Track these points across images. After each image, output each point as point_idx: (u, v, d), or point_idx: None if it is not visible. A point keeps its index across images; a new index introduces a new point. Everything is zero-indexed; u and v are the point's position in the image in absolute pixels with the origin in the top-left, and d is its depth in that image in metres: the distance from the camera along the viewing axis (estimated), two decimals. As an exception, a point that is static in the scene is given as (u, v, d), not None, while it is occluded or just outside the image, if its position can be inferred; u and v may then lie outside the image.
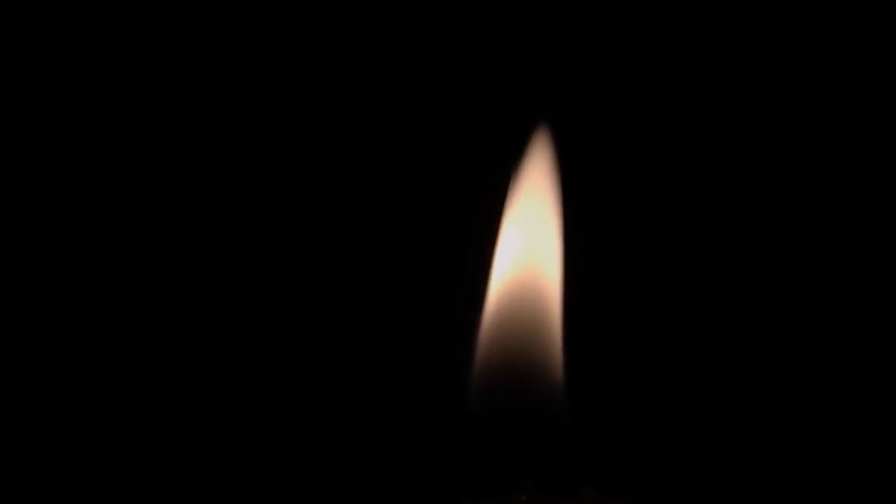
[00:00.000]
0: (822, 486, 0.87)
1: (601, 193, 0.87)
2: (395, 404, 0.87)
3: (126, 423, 0.89)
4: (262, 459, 0.88)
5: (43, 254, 0.89)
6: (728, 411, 0.88)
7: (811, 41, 0.88)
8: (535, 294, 0.61)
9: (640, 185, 0.89)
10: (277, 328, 0.89)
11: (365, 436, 0.88)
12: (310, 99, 0.90)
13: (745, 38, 0.88)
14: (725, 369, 0.88)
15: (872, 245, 0.88)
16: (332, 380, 0.88)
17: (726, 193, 0.89)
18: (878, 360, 0.88)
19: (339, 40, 0.89)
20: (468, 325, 0.61)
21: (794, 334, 0.88)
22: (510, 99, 0.87)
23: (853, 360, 0.88)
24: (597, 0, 0.88)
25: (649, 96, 0.89)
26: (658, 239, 0.89)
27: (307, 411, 0.89)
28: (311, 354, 0.89)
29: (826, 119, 0.88)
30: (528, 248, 0.62)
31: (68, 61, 0.89)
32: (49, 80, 0.89)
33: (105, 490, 0.88)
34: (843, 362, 0.88)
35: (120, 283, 0.89)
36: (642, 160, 0.89)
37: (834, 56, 0.88)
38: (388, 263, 0.89)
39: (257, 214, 0.90)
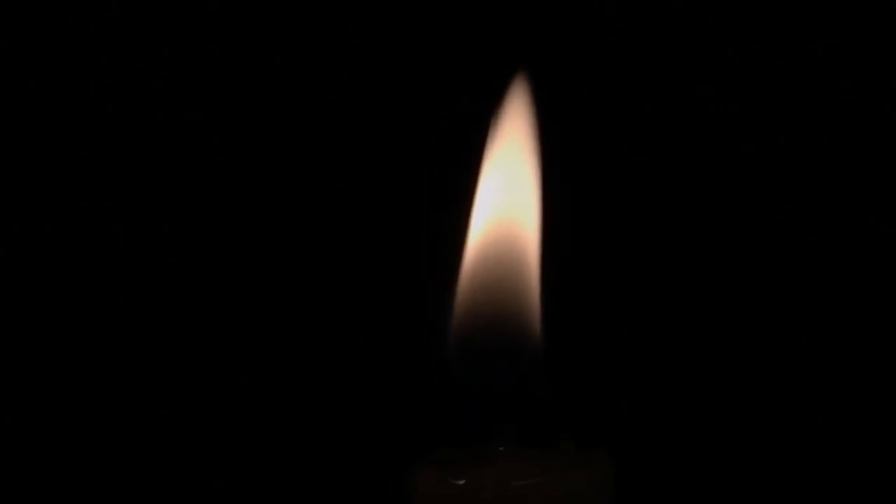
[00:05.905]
0: (788, 451, 0.88)
1: (580, 142, 0.87)
2: (372, 356, 0.88)
3: (122, 421, 0.89)
4: (239, 414, 0.89)
5: (43, 253, 0.89)
6: (702, 366, 0.89)
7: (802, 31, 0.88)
8: (513, 244, 0.61)
9: (619, 134, 0.89)
10: (254, 287, 0.89)
11: (340, 386, 0.88)
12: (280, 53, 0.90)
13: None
14: (699, 325, 0.89)
15: (852, 243, 0.88)
16: (306, 335, 0.89)
17: (704, 144, 0.89)
18: (857, 354, 0.89)
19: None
20: (446, 276, 0.61)
21: (758, 297, 0.89)
22: (489, 45, 0.87)
23: (818, 335, 0.89)
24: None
25: (629, 43, 0.88)
26: (636, 189, 0.89)
27: (279, 370, 0.89)
28: (282, 311, 0.89)
29: (813, 105, 0.88)
30: (507, 197, 0.62)
31: (68, 61, 0.89)
32: (48, 79, 0.89)
33: (104, 490, 0.89)
34: (804, 335, 0.89)
35: (118, 283, 0.90)
36: (622, 106, 0.88)
37: (833, 54, 0.88)
38: (364, 214, 0.89)
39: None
